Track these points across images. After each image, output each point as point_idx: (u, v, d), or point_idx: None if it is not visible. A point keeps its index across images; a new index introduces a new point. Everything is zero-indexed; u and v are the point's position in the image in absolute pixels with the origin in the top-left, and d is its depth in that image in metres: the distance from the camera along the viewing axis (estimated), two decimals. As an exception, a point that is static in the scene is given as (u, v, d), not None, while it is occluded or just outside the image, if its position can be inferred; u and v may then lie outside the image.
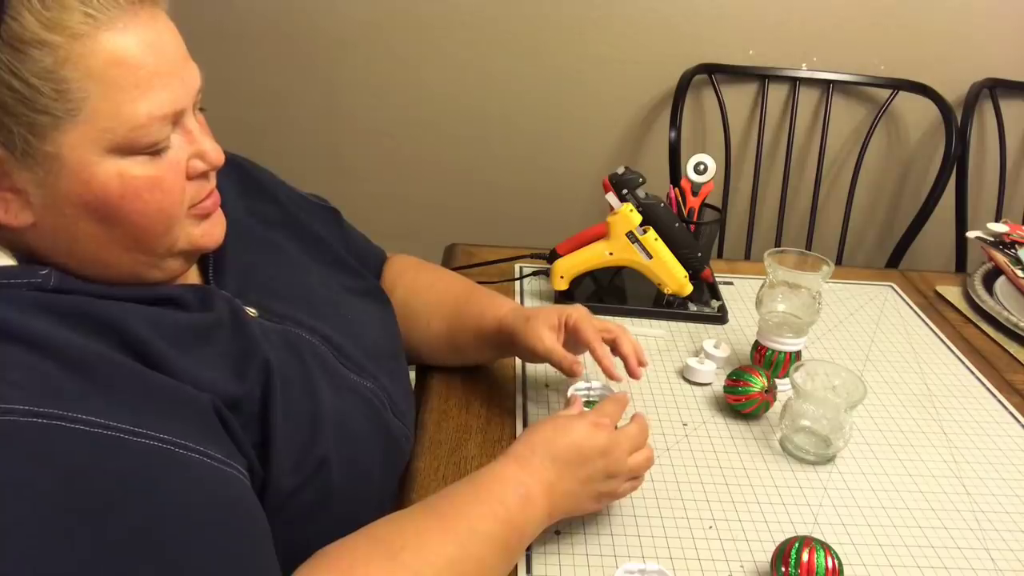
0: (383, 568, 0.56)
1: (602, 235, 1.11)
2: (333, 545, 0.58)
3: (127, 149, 0.55)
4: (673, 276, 1.10)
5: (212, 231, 0.65)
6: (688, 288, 1.11)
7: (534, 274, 1.21)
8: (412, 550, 0.58)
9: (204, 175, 0.62)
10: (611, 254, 1.10)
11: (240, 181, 0.78)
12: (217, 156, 0.62)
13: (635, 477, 0.73)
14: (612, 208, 1.09)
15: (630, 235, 1.07)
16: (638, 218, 1.07)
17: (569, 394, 0.80)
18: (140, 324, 0.56)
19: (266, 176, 0.84)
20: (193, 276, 0.70)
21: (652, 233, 1.08)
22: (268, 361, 0.62)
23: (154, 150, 0.56)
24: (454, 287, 0.97)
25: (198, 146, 0.60)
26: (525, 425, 0.88)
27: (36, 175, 0.53)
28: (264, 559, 0.54)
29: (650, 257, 1.08)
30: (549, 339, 0.84)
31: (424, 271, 1.01)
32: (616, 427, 0.72)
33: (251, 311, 0.68)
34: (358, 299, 0.84)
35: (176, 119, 0.58)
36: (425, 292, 0.96)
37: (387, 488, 0.76)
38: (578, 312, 0.86)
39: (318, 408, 0.66)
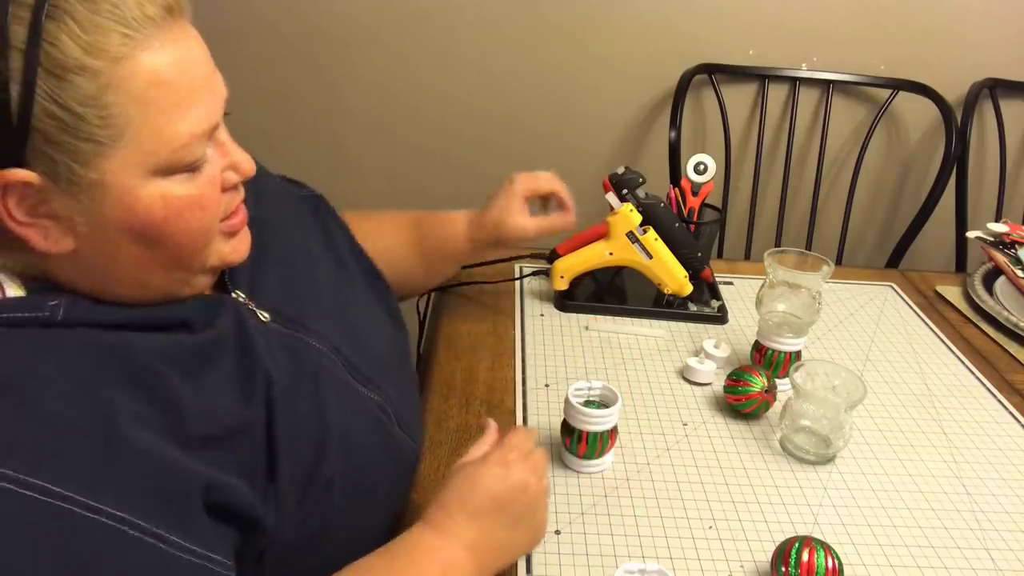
0: None
1: (602, 235, 1.11)
2: None
3: (169, 170, 0.54)
4: (673, 276, 1.10)
5: (239, 247, 0.64)
6: (688, 288, 1.11)
7: (534, 274, 1.21)
8: None
9: (235, 187, 0.62)
10: (611, 254, 1.10)
11: (252, 183, 0.78)
12: (250, 167, 0.62)
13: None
14: (612, 208, 1.09)
15: (630, 235, 1.07)
16: (638, 218, 1.07)
17: (569, 394, 0.80)
18: (149, 355, 0.55)
19: (271, 177, 0.84)
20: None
21: (652, 233, 1.08)
22: (269, 374, 0.62)
23: (193, 167, 0.56)
24: (400, 222, 1.02)
25: (231, 158, 0.60)
26: (525, 425, 0.88)
27: (80, 203, 0.52)
28: None
29: (650, 257, 1.08)
30: (531, 223, 0.99)
31: (365, 220, 0.98)
32: (529, 452, 0.68)
33: (263, 315, 0.68)
34: (361, 297, 0.83)
35: (211, 134, 0.58)
36: (377, 238, 0.95)
37: (392, 508, 0.75)
38: (519, 181, 1.02)
39: (325, 424, 0.65)
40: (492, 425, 0.72)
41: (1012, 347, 1.11)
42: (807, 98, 1.84)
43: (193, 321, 0.61)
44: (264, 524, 0.58)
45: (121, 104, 0.51)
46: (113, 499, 0.48)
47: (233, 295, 0.67)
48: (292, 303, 0.71)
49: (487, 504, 0.64)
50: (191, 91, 0.55)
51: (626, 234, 1.07)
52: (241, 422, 0.58)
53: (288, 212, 0.81)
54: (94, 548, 0.47)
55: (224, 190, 0.60)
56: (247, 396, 0.60)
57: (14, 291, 0.55)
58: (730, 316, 1.14)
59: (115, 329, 0.56)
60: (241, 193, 0.63)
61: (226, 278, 0.68)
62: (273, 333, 0.67)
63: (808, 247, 1.80)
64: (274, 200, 0.79)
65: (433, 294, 1.18)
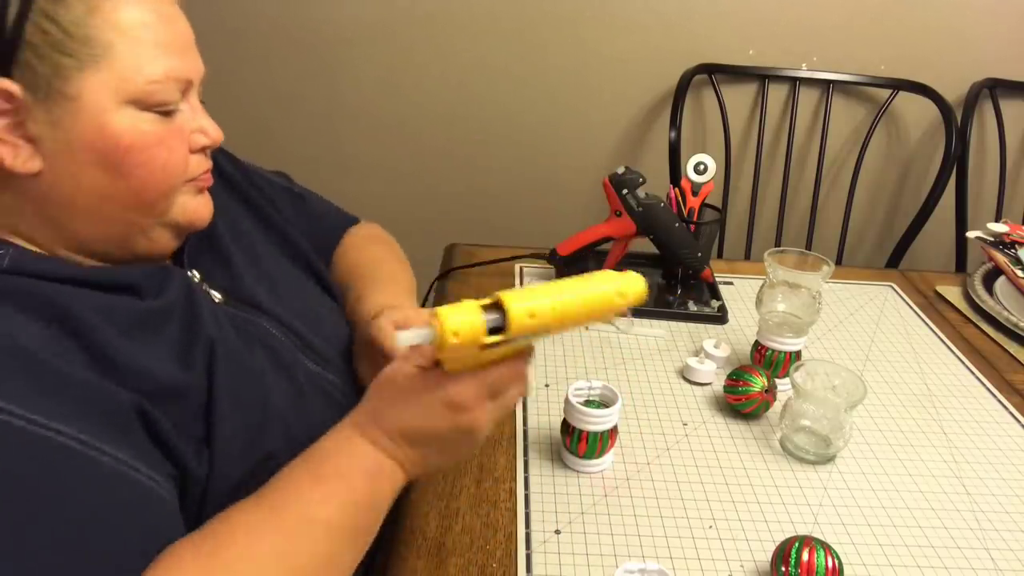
0: (200, 567, 0.51)
1: (602, 235, 1.10)
2: (171, 545, 0.54)
3: (141, 103, 0.58)
4: (559, 324, 0.57)
5: (202, 209, 0.67)
6: (627, 299, 0.63)
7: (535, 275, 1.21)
8: (235, 546, 0.53)
9: (203, 151, 0.65)
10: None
11: (219, 171, 0.78)
12: (217, 134, 0.65)
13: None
14: (425, 345, 0.55)
15: (489, 345, 0.54)
16: (475, 317, 0.53)
17: (569, 394, 0.80)
18: (87, 310, 0.56)
19: (241, 165, 0.85)
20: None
21: (513, 303, 0.55)
22: (213, 342, 0.62)
23: (165, 110, 0.60)
24: (362, 272, 0.92)
25: (201, 122, 0.64)
26: (525, 425, 0.88)
27: (53, 116, 0.55)
28: (128, 564, 0.51)
29: (528, 337, 0.57)
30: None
31: (364, 251, 0.96)
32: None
33: (216, 295, 0.69)
34: (325, 292, 0.85)
35: (185, 89, 0.61)
36: (346, 275, 0.92)
37: None
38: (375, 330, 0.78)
39: (266, 398, 0.65)
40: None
41: (1012, 347, 1.11)
42: (807, 98, 1.84)
43: (142, 288, 0.61)
44: (197, 478, 0.58)
45: (107, 30, 0.56)
46: (56, 415, 0.50)
47: (188, 273, 0.68)
48: (244, 286, 0.72)
49: (423, 438, 0.59)
50: (172, 42, 0.59)
51: (480, 349, 0.54)
52: (179, 385, 0.59)
53: (248, 198, 0.82)
54: (39, 458, 0.48)
55: (192, 151, 0.64)
56: (188, 363, 0.60)
57: None
58: (730, 316, 1.14)
59: (59, 283, 0.57)
60: (209, 162, 0.67)
61: (184, 257, 0.69)
62: (223, 312, 0.68)
63: (808, 247, 1.81)
64: (237, 187, 0.82)
65: (434, 285, 1.18)
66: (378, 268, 0.93)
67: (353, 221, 1.04)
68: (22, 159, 0.56)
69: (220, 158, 0.81)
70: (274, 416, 0.65)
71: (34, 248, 0.60)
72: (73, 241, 0.61)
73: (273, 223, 0.84)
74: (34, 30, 0.53)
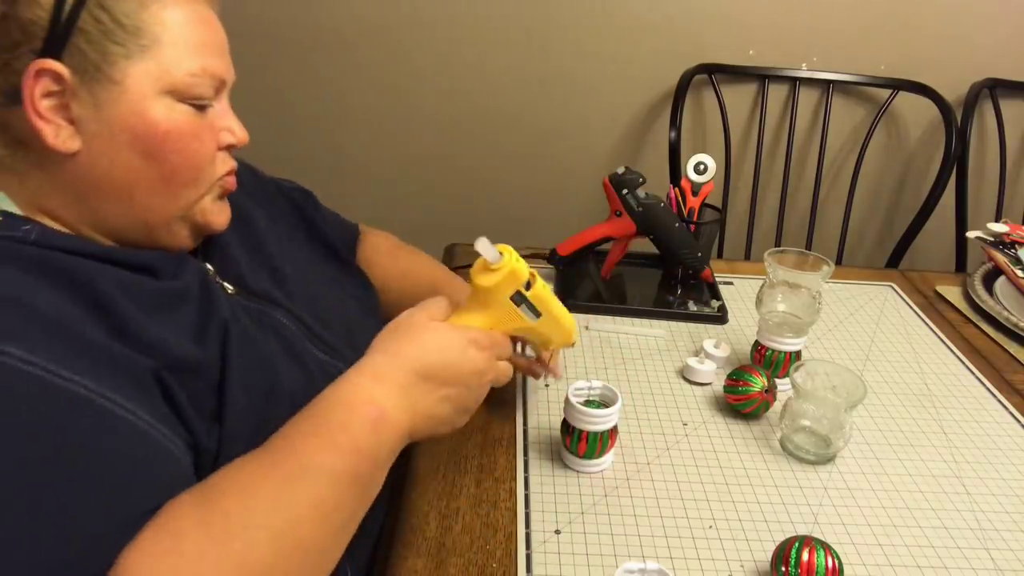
0: (199, 515, 0.52)
1: (602, 235, 1.10)
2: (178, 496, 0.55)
3: (179, 94, 0.62)
4: (561, 327, 0.76)
5: (221, 214, 0.70)
6: (574, 336, 0.80)
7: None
8: (235, 495, 0.53)
9: (229, 150, 0.69)
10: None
11: (240, 181, 0.80)
12: (243, 134, 0.69)
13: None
14: (485, 260, 0.69)
15: (516, 296, 0.71)
16: (526, 270, 0.71)
17: (569, 394, 0.80)
18: (108, 284, 0.58)
19: (261, 174, 0.89)
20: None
21: (540, 282, 0.73)
22: (226, 323, 0.64)
23: (199, 103, 0.64)
24: (428, 274, 0.99)
25: (229, 121, 0.68)
26: (525, 425, 0.88)
27: (97, 98, 0.59)
28: (139, 515, 0.52)
29: (538, 316, 0.73)
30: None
31: (400, 257, 1.02)
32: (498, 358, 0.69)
33: (228, 287, 0.71)
34: (338, 282, 0.87)
35: (218, 88, 0.66)
36: (402, 281, 0.97)
37: None
38: None
39: (276, 381, 0.66)
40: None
41: (1012, 347, 1.11)
42: (807, 98, 1.84)
43: (159, 269, 0.64)
44: (208, 451, 0.60)
45: (154, 24, 0.60)
46: (83, 372, 0.52)
47: (204, 265, 0.71)
48: (255, 280, 0.74)
49: (442, 372, 0.64)
50: (210, 43, 0.64)
51: (511, 297, 0.70)
52: (194, 360, 0.60)
53: (261, 200, 0.86)
54: (68, 409, 0.51)
55: (219, 148, 0.67)
56: (203, 341, 0.62)
57: None
58: (730, 316, 1.14)
59: (82, 257, 0.60)
60: (234, 163, 0.70)
61: (198, 253, 0.72)
62: (236, 301, 0.70)
63: (808, 247, 1.81)
64: (251, 189, 0.84)
65: None
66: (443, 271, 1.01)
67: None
68: (63, 138, 0.59)
69: (242, 170, 0.83)
70: (283, 399, 0.66)
71: (59, 227, 0.63)
72: (99, 222, 0.64)
73: (289, 214, 0.88)
74: (88, 18, 0.57)
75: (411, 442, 0.64)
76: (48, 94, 0.58)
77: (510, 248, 0.70)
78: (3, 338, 0.50)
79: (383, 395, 0.61)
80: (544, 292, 0.73)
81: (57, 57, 0.57)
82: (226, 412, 0.61)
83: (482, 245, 0.68)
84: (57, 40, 0.57)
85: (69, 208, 0.62)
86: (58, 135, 0.59)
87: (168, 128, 0.61)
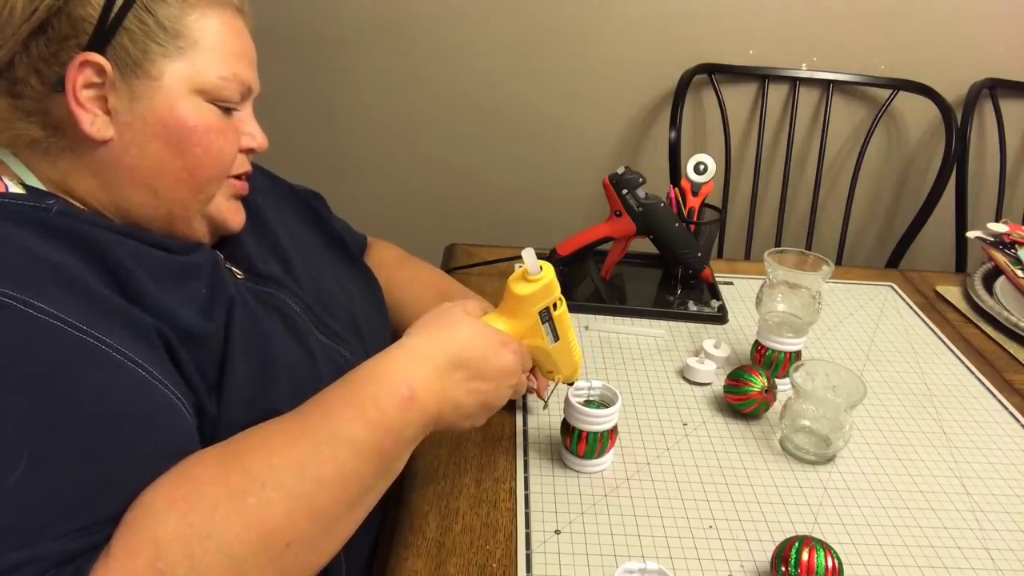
0: (221, 468, 0.53)
1: (602, 235, 1.10)
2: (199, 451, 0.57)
3: (209, 94, 0.66)
4: (571, 361, 0.79)
5: (236, 214, 0.75)
6: (579, 375, 0.82)
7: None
8: (260, 453, 0.55)
9: (249, 154, 0.74)
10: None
11: (255, 185, 0.84)
12: (264, 140, 0.74)
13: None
14: (527, 270, 0.72)
15: (544, 313, 0.74)
16: (557, 288, 0.74)
17: (569, 394, 0.80)
18: (123, 254, 0.61)
19: (270, 177, 0.93)
20: None
21: (564, 307, 0.76)
22: (232, 299, 0.67)
23: (226, 106, 0.68)
24: (434, 283, 1.01)
25: (252, 127, 0.74)
26: (525, 425, 0.88)
27: (134, 91, 0.63)
28: (152, 472, 0.53)
29: (556, 339, 0.76)
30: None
31: (404, 266, 1.04)
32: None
33: (238, 272, 0.75)
34: (345, 276, 0.89)
35: (245, 95, 0.70)
36: (407, 287, 0.99)
37: None
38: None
39: (276, 356, 0.68)
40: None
41: (1012, 347, 1.11)
42: (807, 98, 1.84)
43: (173, 247, 0.68)
44: (210, 416, 0.62)
45: (194, 30, 0.65)
46: (99, 327, 0.55)
47: (215, 252, 0.74)
48: (267, 264, 0.79)
49: (476, 365, 0.66)
50: (242, 53, 0.69)
51: (540, 311, 0.73)
52: (201, 332, 0.63)
53: (275, 200, 0.89)
54: (83, 360, 0.53)
55: (240, 150, 0.72)
56: (210, 315, 0.65)
57: (15, 189, 0.62)
58: (730, 316, 1.14)
59: (100, 229, 0.62)
60: (250, 166, 0.75)
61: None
62: (244, 284, 0.73)
63: (808, 247, 1.81)
64: (266, 192, 0.88)
65: None
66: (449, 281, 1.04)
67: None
68: (98, 126, 0.63)
69: (258, 174, 0.86)
70: (281, 374, 0.68)
71: (81, 207, 0.66)
72: (122, 209, 0.67)
73: (302, 213, 0.92)
74: (134, 19, 0.62)
75: (432, 431, 0.65)
76: (89, 85, 0.62)
77: (550, 265, 0.73)
78: (21, 288, 0.53)
79: (418, 376, 0.62)
80: (567, 319, 0.76)
81: (101, 52, 0.61)
82: (225, 380, 0.63)
83: (528, 255, 0.71)
84: (103, 36, 0.61)
85: (95, 193, 0.66)
86: (94, 123, 0.62)
87: (196, 123, 0.66)
